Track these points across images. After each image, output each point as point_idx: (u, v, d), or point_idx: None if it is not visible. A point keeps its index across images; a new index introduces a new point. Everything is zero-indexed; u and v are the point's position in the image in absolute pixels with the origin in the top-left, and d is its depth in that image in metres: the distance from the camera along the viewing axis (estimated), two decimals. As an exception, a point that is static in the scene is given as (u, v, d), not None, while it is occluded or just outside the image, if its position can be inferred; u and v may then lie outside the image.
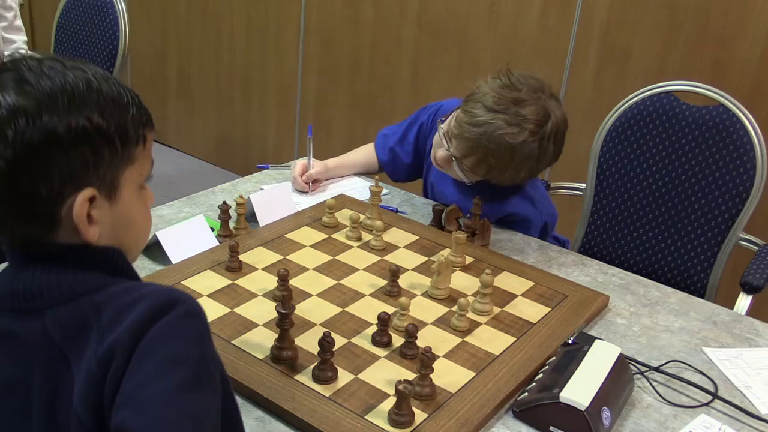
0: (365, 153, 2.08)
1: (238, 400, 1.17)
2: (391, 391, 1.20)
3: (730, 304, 1.94)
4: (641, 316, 1.53)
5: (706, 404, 1.30)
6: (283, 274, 1.44)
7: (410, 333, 1.30)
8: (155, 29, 4.59)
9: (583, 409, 1.16)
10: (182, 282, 1.49)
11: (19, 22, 2.59)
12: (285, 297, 1.26)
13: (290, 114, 4.12)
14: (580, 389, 1.19)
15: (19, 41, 2.60)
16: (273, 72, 4.12)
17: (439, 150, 1.76)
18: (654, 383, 1.34)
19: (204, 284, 1.49)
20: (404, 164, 2.01)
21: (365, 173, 2.08)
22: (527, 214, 1.81)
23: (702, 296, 2.13)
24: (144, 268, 1.57)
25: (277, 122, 4.21)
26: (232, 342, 1.32)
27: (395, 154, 2.01)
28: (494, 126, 1.63)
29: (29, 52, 2.59)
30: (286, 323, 1.27)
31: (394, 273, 1.49)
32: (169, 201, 1.88)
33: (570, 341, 1.37)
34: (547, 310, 1.49)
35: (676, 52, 2.89)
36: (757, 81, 2.76)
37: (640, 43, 2.95)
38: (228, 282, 1.50)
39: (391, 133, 2.03)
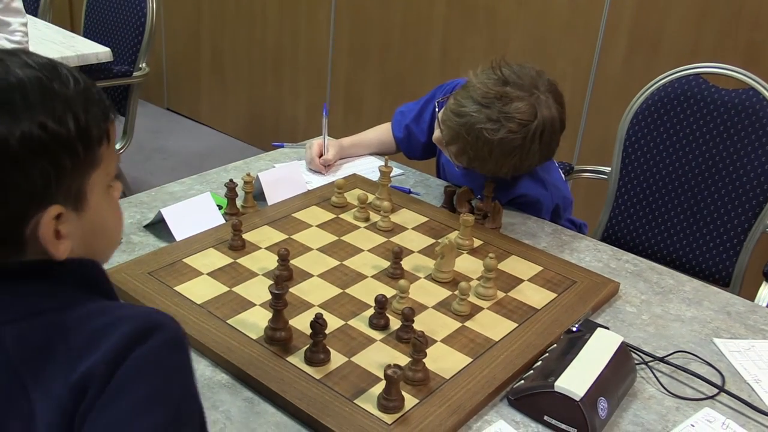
0: (382, 131, 2.05)
1: (229, 380, 1.17)
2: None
3: (755, 294, 1.88)
4: (652, 305, 1.49)
5: (711, 397, 1.26)
6: (284, 253, 1.42)
7: (406, 316, 1.28)
8: (189, 7, 4.59)
9: (577, 399, 1.13)
10: (183, 260, 1.48)
11: (17, 4, 2.48)
12: (278, 277, 1.24)
13: (321, 93, 4.10)
14: (576, 378, 1.16)
15: (16, 23, 2.49)
16: (304, 51, 4.10)
17: (436, 132, 1.73)
18: (658, 374, 1.30)
19: (205, 262, 1.48)
20: (419, 142, 1.98)
21: (382, 153, 2.04)
22: (537, 196, 1.77)
23: (727, 285, 2.07)
24: (148, 245, 1.56)
25: (307, 101, 4.20)
26: (228, 321, 1.31)
27: (410, 131, 1.98)
28: (475, 119, 1.59)
29: (26, 37, 2.52)
30: (279, 304, 1.25)
31: (396, 255, 1.46)
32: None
33: (574, 328, 1.33)
34: (553, 296, 1.45)
35: (710, 33, 2.81)
36: (793, 64, 2.67)
37: (673, 24, 2.88)
38: (229, 260, 1.49)
39: (407, 111, 2.00)
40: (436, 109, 1.74)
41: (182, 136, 4.72)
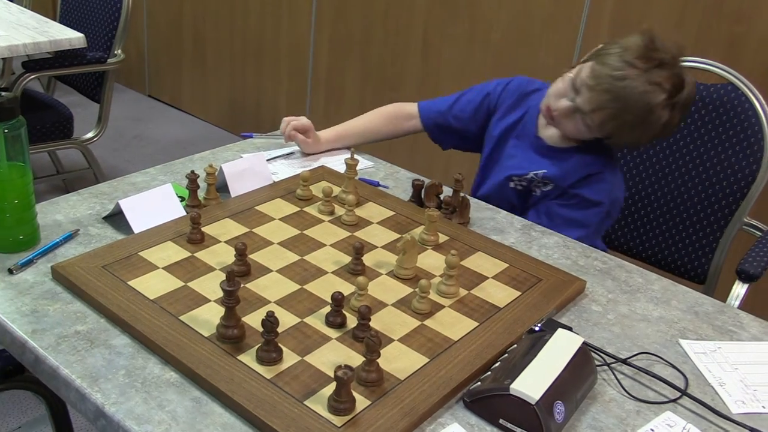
0: (370, 118, 2.00)
1: (178, 378, 1.14)
2: (336, 376, 1.15)
3: (729, 293, 1.86)
4: (619, 304, 1.46)
5: (674, 401, 1.23)
6: (241, 248, 1.39)
7: (362, 315, 1.25)
8: (170, -8, 4.54)
9: (533, 402, 1.10)
10: (140, 253, 1.44)
11: None
12: (230, 273, 1.21)
13: (302, 81, 4.06)
14: (533, 381, 1.13)
15: None
16: (286, 39, 4.06)
17: (561, 101, 1.72)
18: (620, 376, 1.27)
19: (161, 256, 1.44)
20: (453, 129, 1.99)
21: (371, 141, 2.00)
22: (607, 178, 1.79)
23: (702, 283, 2.05)
24: (105, 237, 1.52)
25: (288, 89, 4.16)
26: (180, 318, 1.28)
27: (443, 117, 1.98)
28: (636, 83, 1.61)
29: None
30: (231, 300, 1.22)
31: (357, 250, 1.43)
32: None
33: (536, 328, 1.31)
34: (517, 294, 1.42)
35: (691, 27, 2.78)
36: (774, 59, 2.65)
37: (654, 17, 2.84)
38: (187, 254, 1.46)
39: (437, 100, 2.00)
40: (566, 78, 1.73)
41: (163, 123, 4.67)
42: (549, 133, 1.80)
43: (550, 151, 1.80)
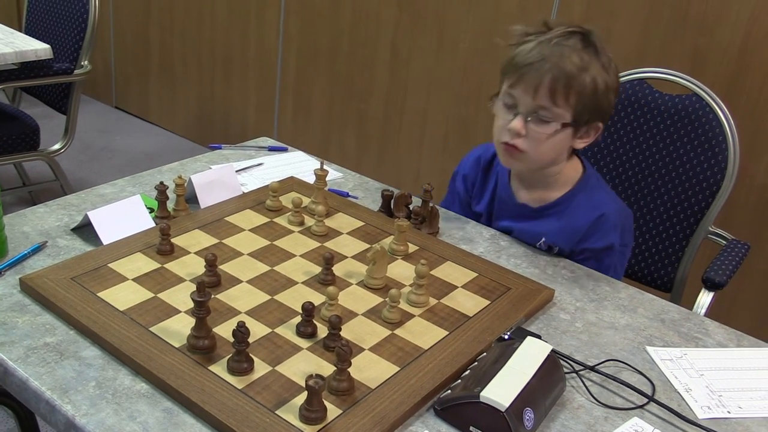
0: None
1: (148, 389, 1.14)
2: (307, 385, 1.15)
3: (695, 301, 1.89)
4: (586, 312, 1.49)
5: (641, 407, 1.25)
6: (211, 259, 1.40)
7: (333, 324, 1.25)
8: (138, 4, 4.52)
9: (503, 409, 1.12)
10: (109, 264, 1.44)
11: None
12: (200, 284, 1.21)
13: (270, 93, 4.07)
14: (502, 388, 1.15)
15: None
16: (254, 50, 4.07)
17: (512, 124, 1.61)
18: (588, 383, 1.29)
19: (131, 267, 1.44)
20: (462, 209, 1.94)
21: None
22: (613, 210, 1.74)
23: (669, 291, 2.08)
24: (74, 248, 1.52)
25: (257, 100, 4.16)
26: (150, 329, 1.28)
27: (464, 208, 1.94)
28: (548, 37, 1.59)
29: None
30: (201, 311, 1.23)
31: (327, 260, 1.44)
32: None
33: (506, 336, 1.32)
34: (486, 302, 1.44)
35: (656, 39, 2.83)
36: (737, 70, 2.70)
37: (620, 28, 2.89)
38: (157, 266, 1.46)
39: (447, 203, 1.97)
40: (496, 103, 1.67)
41: (130, 135, 4.65)
42: (530, 196, 1.76)
43: (539, 214, 1.75)
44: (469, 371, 1.24)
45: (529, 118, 1.61)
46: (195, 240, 1.56)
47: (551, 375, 1.24)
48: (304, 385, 1.13)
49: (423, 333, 1.35)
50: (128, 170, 1.85)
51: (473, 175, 1.88)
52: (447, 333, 1.35)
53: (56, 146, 3.23)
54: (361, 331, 1.33)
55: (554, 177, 1.73)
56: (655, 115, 2.06)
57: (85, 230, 1.59)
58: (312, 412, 1.12)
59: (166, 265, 1.47)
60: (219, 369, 1.21)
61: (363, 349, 1.29)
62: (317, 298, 1.39)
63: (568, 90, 1.58)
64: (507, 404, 1.12)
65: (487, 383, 1.16)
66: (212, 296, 1.31)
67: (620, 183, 2.11)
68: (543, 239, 1.72)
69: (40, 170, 3.68)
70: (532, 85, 1.58)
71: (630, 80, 2.12)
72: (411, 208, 1.74)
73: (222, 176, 1.77)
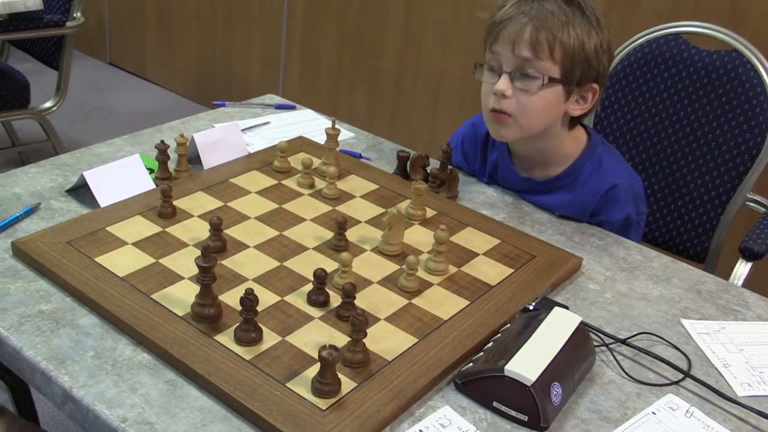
0: None
1: (150, 360, 1.14)
2: (320, 357, 1.15)
3: (731, 272, 1.88)
4: (616, 282, 1.48)
5: (676, 383, 1.25)
6: (216, 222, 1.39)
7: (347, 292, 1.25)
8: (132, -49, 4.49)
9: (529, 384, 1.11)
10: (107, 228, 1.44)
11: None
12: (206, 249, 1.21)
13: (275, 48, 4.04)
14: (528, 362, 1.14)
15: None
16: (257, 2, 4.03)
17: (498, 84, 1.58)
18: (619, 357, 1.29)
19: (130, 231, 1.44)
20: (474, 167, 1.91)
21: None
22: (626, 179, 1.72)
23: (702, 262, 2.07)
24: (69, 211, 1.52)
25: (261, 57, 4.14)
26: (152, 296, 1.28)
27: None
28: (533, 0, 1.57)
29: None
30: (207, 277, 1.22)
31: (340, 225, 1.43)
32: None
33: (530, 307, 1.31)
34: (509, 271, 1.43)
35: (692, -10, 2.79)
36: (779, 25, 2.66)
37: (653, -21, 2.85)
38: (158, 229, 1.45)
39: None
40: (478, 69, 1.65)
41: (126, 93, 4.64)
42: (533, 173, 1.75)
43: (547, 187, 1.75)
44: (491, 343, 1.24)
45: (514, 77, 1.58)
46: (198, 203, 1.56)
47: (580, 348, 1.23)
48: (316, 357, 1.13)
49: (442, 302, 1.34)
50: (124, 131, 1.83)
51: (470, 145, 1.88)
52: (468, 303, 1.35)
53: (48, 104, 3.22)
54: (376, 300, 1.33)
55: (553, 152, 1.71)
56: (690, 73, 2.04)
57: (80, 191, 1.58)
58: (325, 384, 1.11)
59: (167, 229, 1.46)
60: (225, 339, 1.21)
61: (378, 319, 1.29)
62: (329, 265, 1.38)
63: (552, 43, 1.56)
64: (533, 378, 1.12)
65: (512, 356, 1.16)
66: (218, 262, 1.30)
67: (651, 146, 2.09)
68: (556, 212, 1.71)
69: (31, 130, 3.67)
70: (511, 38, 1.57)
71: (664, 35, 2.09)
72: (428, 171, 1.73)
73: (226, 135, 1.76)
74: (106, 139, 1.84)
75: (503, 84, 1.58)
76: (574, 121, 1.69)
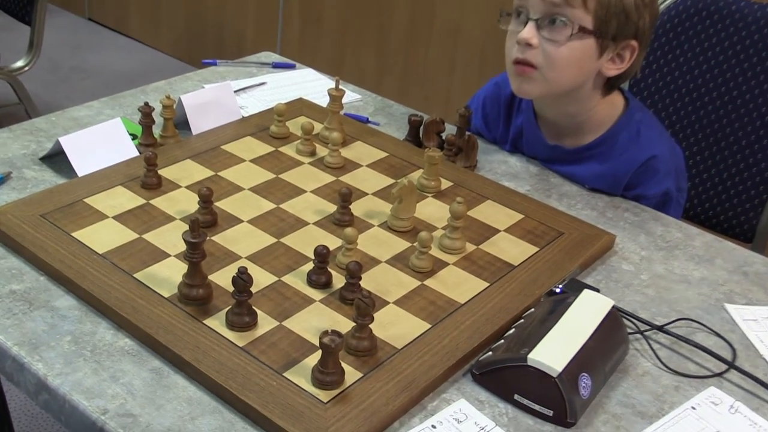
0: None
1: (133, 346, 1.14)
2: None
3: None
4: (653, 262, 1.47)
5: (719, 375, 1.25)
6: (205, 193, 1.39)
7: (352, 272, 1.25)
8: None
9: (555, 375, 1.11)
10: (85, 200, 1.44)
11: None
12: (194, 222, 1.21)
13: (272, 3, 4.03)
14: (554, 350, 1.14)
15: None
16: (253, -51, 4.02)
17: (523, 34, 1.56)
18: (656, 346, 1.29)
19: (111, 203, 1.44)
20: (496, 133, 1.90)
21: None
22: (666, 150, 1.70)
23: (749, 241, 2.06)
24: (44, 181, 1.52)
25: (256, 12, 4.13)
26: (135, 275, 1.28)
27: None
28: None
29: None
30: (195, 255, 1.22)
31: (344, 197, 1.43)
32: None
33: (557, 290, 1.32)
34: (534, 249, 1.43)
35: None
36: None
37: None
38: (141, 201, 1.46)
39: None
40: (504, 16, 1.63)
41: (107, 52, 4.64)
42: (567, 140, 1.74)
43: (576, 156, 1.74)
44: (513, 330, 1.24)
45: (541, 25, 1.56)
46: (186, 172, 1.56)
47: (612, 335, 1.23)
48: (317, 344, 1.13)
49: (458, 284, 1.34)
50: (104, 94, 1.83)
51: (492, 108, 1.87)
52: (487, 285, 1.35)
53: (19, 63, 3.21)
54: (384, 281, 1.33)
55: (585, 117, 1.70)
56: (739, 29, 2.02)
57: (56, 159, 1.58)
58: (327, 374, 1.12)
59: (152, 201, 1.46)
60: (216, 323, 1.21)
61: (387, 303, 1.29)
62: (332, 242, 1.38)
63: None
64: (560, 369, 1.12)
65: (536, 344, 1.16)
66: (207, 237, 1.30)
67: (693, 111, 2.08)
68: (585, 185, 1.70)
69: (0, 91, 3.68)
70: None
71: (709, -14, 2.07)
72: (444, 137, 1.72)
73: (218, 97, 1.76)
74: (84, 102, 1.84)
75: (528, 32, 1.57)
76: (609, 85, 1.68)
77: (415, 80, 3.71)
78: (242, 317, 1.21)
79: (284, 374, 1.13)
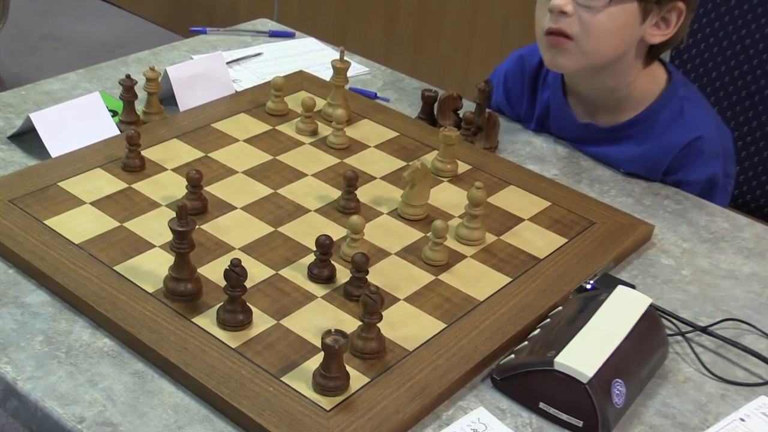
0: None
1: (114, 347, 1.15)
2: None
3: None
4: (696, 255, 1.48)
5: (770, 382, 1.25)
6: (194, 177, 1.40)
7: (358, 265, 1.25)
8: None
9: (585, 381, 1.12)
10: (59, 183, 1.45)
11: None
12: (182, 209, 1.21)
13: (269, -38, 4.03)
14: (583, 353, 1.15)
15: None
16: None
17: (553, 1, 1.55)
18: (699, 349, 1.29)
19: (88, 187, 1.45)
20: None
21: None
22: (713, 130, 1.70)
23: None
24: (12, 162, 1.53)
25: (251, -27, 4.13)
26: (115, 268, 1.29)
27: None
28: None
29: None
30: (183, 245, 1.23)
31: (349, 181, 1.44)
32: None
33: (588, 286, 1.32)
34: (562, 241, 1.44)
35: None
36: None
37: None
38: (123, 186, 1.47)
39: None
40: None
41: (82, 18, 4.64)
42: (600, 118, 1.74)
43: (610, 135, 1.74)
44: (538, 330, 1.24)
45: None
46: (173, 153, 1.57)
47: (649, 337, 1.24)
48: (318, 345, 1.13)
49: (477, 279, 1.35)
50: (80, 65, 1.83)
51: (516, 83, 1.87)
52: (509, 280, 1.35)
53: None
54: (394, 276, 1.34)
55: (624, 92, 1.69)
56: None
57: (26, 138, 1.59)
58: (330, 379, 1.12)
59: (134, 185, 1.47)
60: (206, 322, 1.22)
61: (397, 299, 1.29)
62: (336, 231, 1.39)
63: None
64: (590, 374, 1.12)
65: (564, 346, 1.16)
66: (196, 226, 1.31)
67: (743, 87, 2.08)
68: (621, 169, 1.70)
69: (-36, 63, 3.69)
70: None
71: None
72: (461, 115, 1.72)
73: (208, 69, 1.76)
74: (58, 74, 1.84)
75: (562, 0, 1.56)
76: (652, 54, 1.67)
77: (429, 51, 3.71)
78: (235, 315, 1.21)
79: (282, 379, 1.14)
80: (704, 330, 1.32)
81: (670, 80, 1.72)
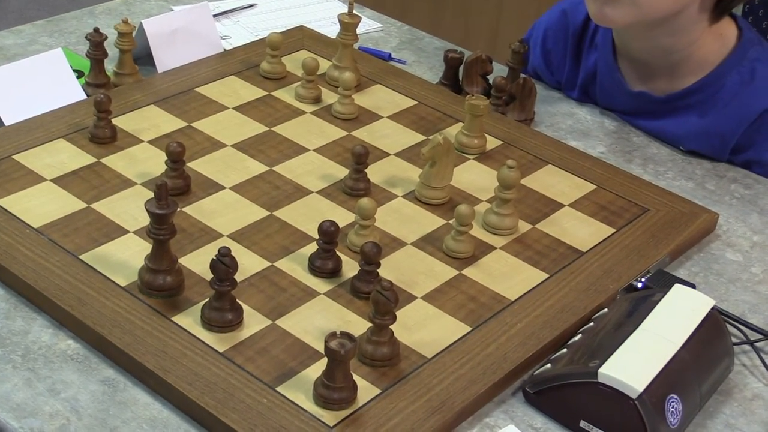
0: None
1: (79, 350, 1.16)
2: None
3: None
4: (769, 251, 1.49)
5: None
6: (176, 150, 1.40)
7: (368, 257, 1.26)
8: None
9: (634, 396, 1.12)
10: (15, 156, 1.46)
11: None
12: (161, 188, 1.22)
13: None
14: (633, 364, 1.15)
15: None
16: None
17: None
18: (770, 360, 1.30)
19: (50, 162, 1.46)
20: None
21: None
22: None
23: None
24: (-40, 130, 1.54)
25: None
26: (81, 257, 1.30)
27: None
28: None
29: None
30: (162, 231, 1.23)
31: (358, 158, 1.44)
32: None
33: (638, 284, 1.33)
34: (609, 231, 1.45)
35: None
36: None
37: None
38: (91, 160, 1.48)
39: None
40: None
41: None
42: (656, 84, 1.74)
43: (667, 106, 1.74)
44: (579, 336, 1.25)
45: None
46: (150, 121, 1.58)
47: (711, 346, 1.24)
48: (321, 350, 1.14)
49: (508, 275, 1.36)
50: (38, 15, 1.84)
51: (557, 43, 1.87)
52: (546, 276, 1.37)
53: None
54: (410, 270, 1.35)
55: (684, 54, 1.69)
56: None
57: (-24, 103, 1.60)
58: (334, 390, 1.13)
59: (104, 160, 1.48)
60: (189, 321, 1.23)
61: (414, 297, 1.31)
62: (342, 217, 1.40)
63: None
64: (641, 388, 1.13)
65: (609, 355, 1.16)
66: (178, 208, 1.31)
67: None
68: (681, 147, 1.70)
69: None
70: None
71: None
72: (491, 81, 1.73)
73: (190, 22, 1.77)
74: (11, 26, 1.85)
75: None
76: (720, 9, 1.66)
77: (453, 4, 3.71)
78: (223, 314, 1.22)
79: (277, 389, 1.15)
80: (776, 338, 1.33)
81: (741, 37, 1.71)
